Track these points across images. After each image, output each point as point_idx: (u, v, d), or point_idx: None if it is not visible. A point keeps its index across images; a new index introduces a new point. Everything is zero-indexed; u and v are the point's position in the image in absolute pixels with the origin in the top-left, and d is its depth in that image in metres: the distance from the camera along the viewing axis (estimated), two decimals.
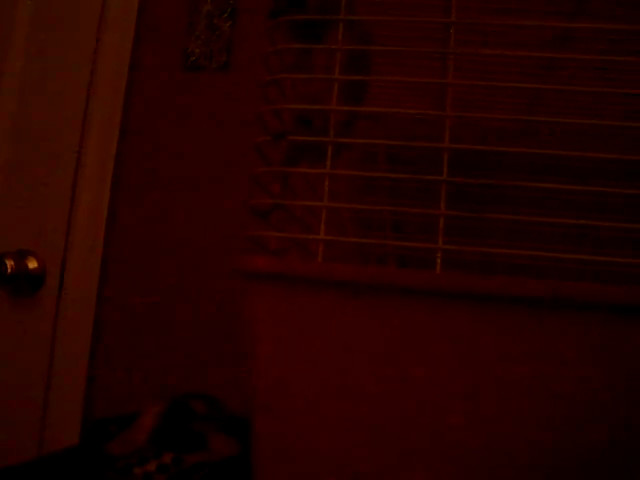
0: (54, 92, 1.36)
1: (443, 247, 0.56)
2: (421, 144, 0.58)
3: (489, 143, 0.81)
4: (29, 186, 1.34)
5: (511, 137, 0.87)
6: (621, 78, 0.72)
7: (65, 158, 1.33)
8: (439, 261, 0.56)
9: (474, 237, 0.59)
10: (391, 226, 0.96)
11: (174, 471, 0.77)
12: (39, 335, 1.28)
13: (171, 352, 1.23)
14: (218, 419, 0.90)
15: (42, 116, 1.36)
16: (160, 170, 1.30)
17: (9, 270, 1.28)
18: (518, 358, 0.55)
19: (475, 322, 0.55)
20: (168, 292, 1.25)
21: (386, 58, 0.68)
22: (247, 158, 1.25)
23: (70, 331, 1.27)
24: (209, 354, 1.21)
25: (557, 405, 0.53)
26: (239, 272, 0.58)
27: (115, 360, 1.26)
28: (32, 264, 1.31)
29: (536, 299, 0.53)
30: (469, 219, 0.55)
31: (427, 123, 0.71)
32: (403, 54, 0.67)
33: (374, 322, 0.56)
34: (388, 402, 0.55)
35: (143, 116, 1.33)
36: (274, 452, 0.58)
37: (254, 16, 1.31)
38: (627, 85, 0.74)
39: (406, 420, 0.55)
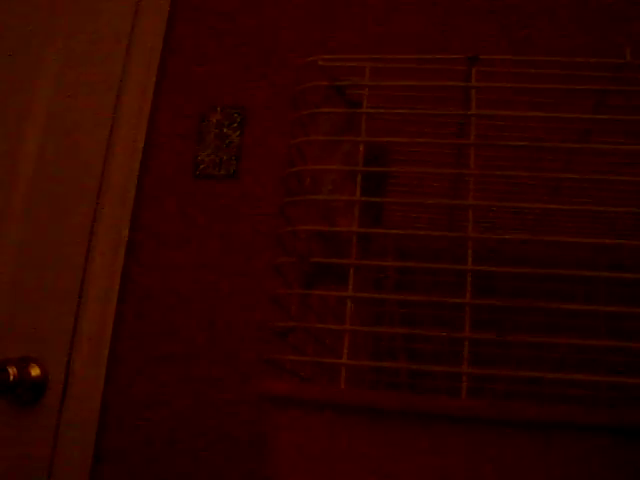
0: (63, 201, 1.38)
1: (468, 371, 0.55)
2: (444, 266, 0.58)
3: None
4: (34, 293, 1.34)
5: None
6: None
7: (72, 265, 1.34)
8: (464, 386, 0.55)
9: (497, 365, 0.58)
10: (404, 354, 0.95)
11: None
12: (39, 447, 1.24)
13: (178, 468, 1.19)
14: None
15: (50, 221, 1.37)
16: (168, 281, 1.30)
17: (11, 378, 1.25)
18: None
19: (501, 447, 0.54)
20: (175, 406, 1.23)
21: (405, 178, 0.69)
22: (255, 267, 1.26)
23: (71, 444, 1.23)
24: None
25: None
26: (261, 396, 0.57)
27: (118, 476, 1.21)
28: (35, 372, 1.29)
29: (563, 424, 0.52)
30: (493, 344, 0.54)
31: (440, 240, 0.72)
32: (419, 174, 0.68)
33: (395, 447, 0.55)
34: None
35: (152, 224, 1.34)
36: None
37: (262, 126, 1.35)
38: None
39: None
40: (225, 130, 1.36)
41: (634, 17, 1.22)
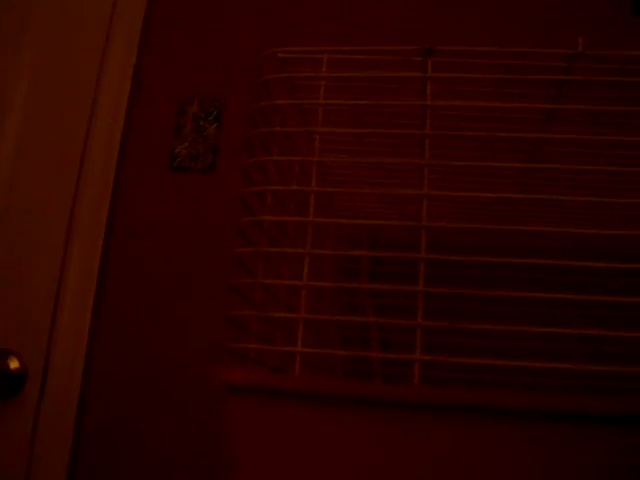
0: (40, 193, 1.38)
1: (420, 358, 0.56)
2: (398, 254, 0.59)
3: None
4: (12, 286, 1.34)
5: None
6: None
7: (49, 256, 1.34)
8: (417, 372, 0.56)
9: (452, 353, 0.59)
10: (377, 343, 0.97)
11: None
12: (17, 439, 1.25)
13: (153, 460, 1.20)
14: None
15: (28, 212, 1.38)
16: (145, 272, 1.31)
17: None
18: (500, 471, 0.54)
19: (452, 434, 0.55)
20: (152, 400, 1.23)
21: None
22: (229, 259, 1.27)
23: (49, 436, 1.24)
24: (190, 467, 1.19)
25: None
26: (218, 383, 0.58)
27: (95, 468, 1.22)
28: (14, 364, 1.29)
29: (517, 411, 0.53)
30: (446, 332, 0.55)
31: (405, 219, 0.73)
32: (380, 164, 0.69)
33: (347, 433, 0.56)
34: None
35: (129, 216, 1.35)
36: None
37: (239, 119, 1.35)
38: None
39: None
40: (202, 123, 1.36)
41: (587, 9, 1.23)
